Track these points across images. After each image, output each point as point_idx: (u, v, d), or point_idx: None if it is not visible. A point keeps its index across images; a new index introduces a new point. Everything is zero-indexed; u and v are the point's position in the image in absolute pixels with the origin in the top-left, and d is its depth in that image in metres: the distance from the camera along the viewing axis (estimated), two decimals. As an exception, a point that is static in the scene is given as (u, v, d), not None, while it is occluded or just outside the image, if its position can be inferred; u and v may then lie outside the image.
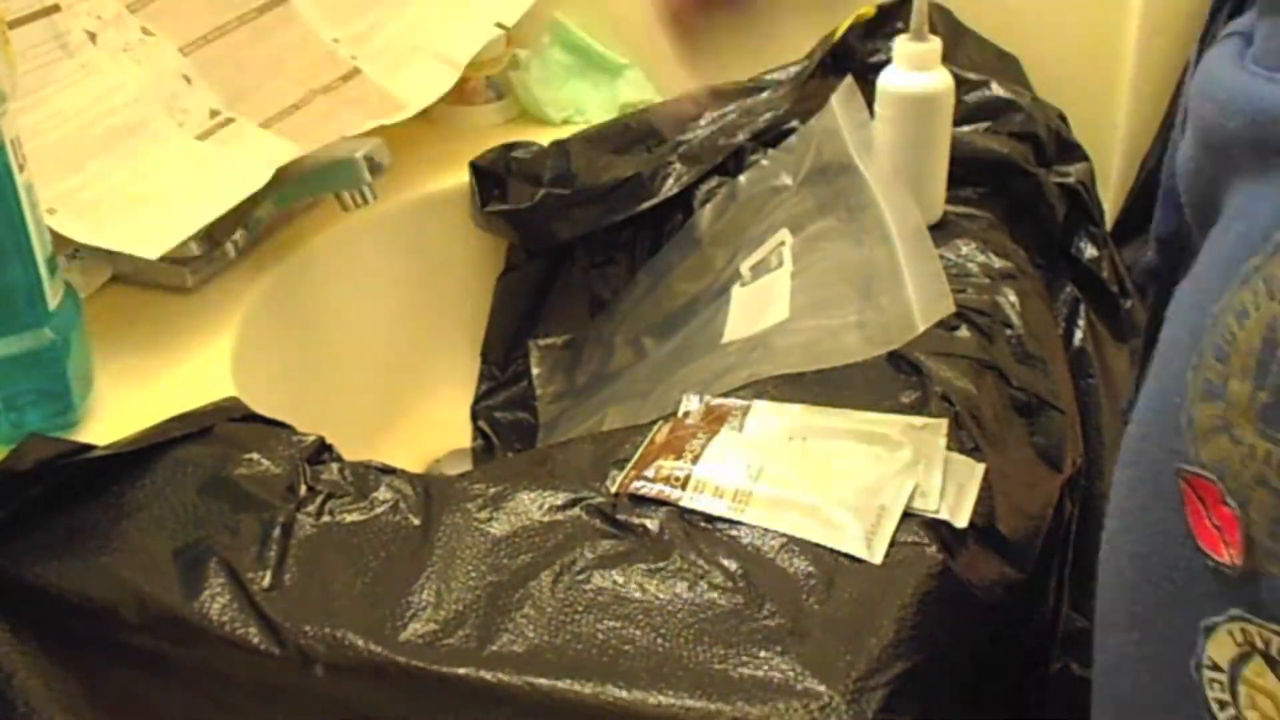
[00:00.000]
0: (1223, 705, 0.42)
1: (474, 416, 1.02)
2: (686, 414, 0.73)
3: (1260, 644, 0.40)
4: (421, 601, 0.60)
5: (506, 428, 1.01)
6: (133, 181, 0.84)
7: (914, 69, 0.87)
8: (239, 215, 0.87)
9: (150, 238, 0.81)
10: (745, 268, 0.94)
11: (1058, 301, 0.92)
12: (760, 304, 0.88)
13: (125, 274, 0.89)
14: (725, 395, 0.75)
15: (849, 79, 0.94)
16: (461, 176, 1.02)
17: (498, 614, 0.59)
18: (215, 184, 0.86)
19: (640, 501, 0.65)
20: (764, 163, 0.99)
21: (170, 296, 0.88)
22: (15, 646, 0.63)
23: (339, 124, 0.95)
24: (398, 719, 0.58)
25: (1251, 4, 0.43)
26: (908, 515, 0.64)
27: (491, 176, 1.02)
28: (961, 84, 0.93)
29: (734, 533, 0.63)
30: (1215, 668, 0.42)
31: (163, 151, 0.86)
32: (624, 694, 0.55)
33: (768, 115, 1.01)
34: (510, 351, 1.04)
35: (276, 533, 0.63)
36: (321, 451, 0.69)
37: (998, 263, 0.87)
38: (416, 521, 0.65)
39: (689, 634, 0.57)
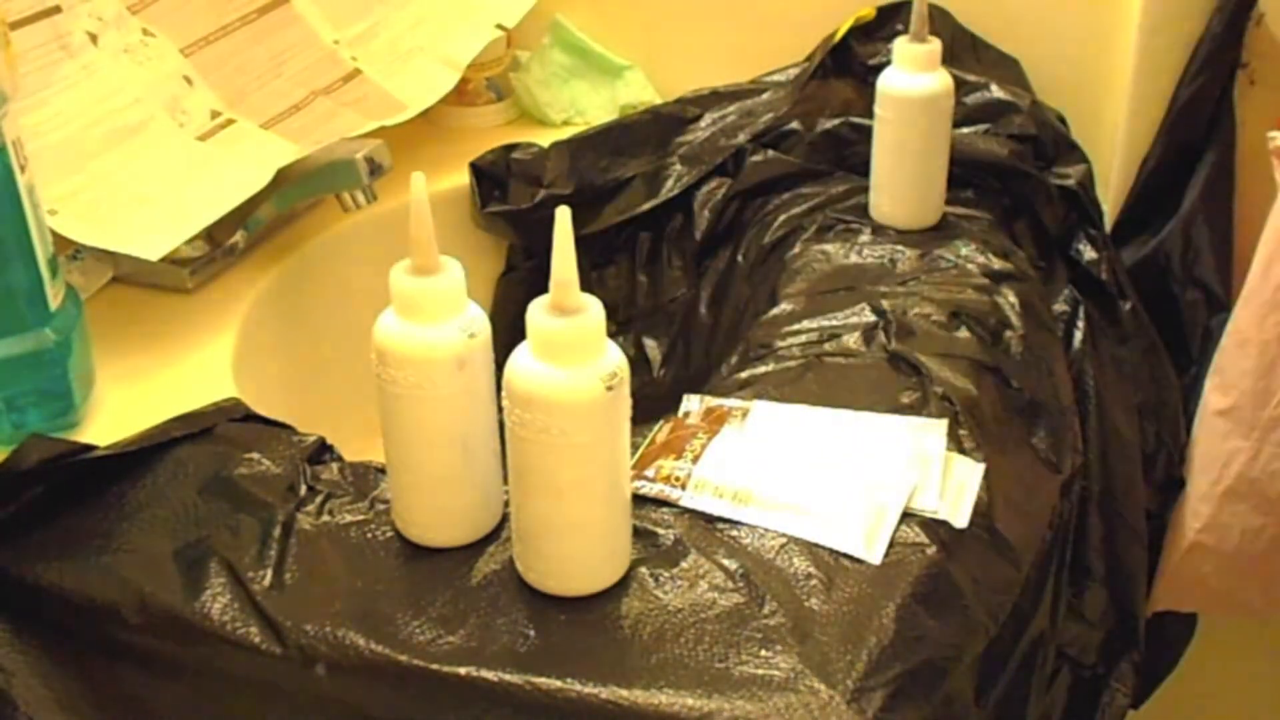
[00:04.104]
0: None
1: (474, 417, 1.02)
2: (687, 414, 0.73)
3: None
4: (422, 600, 0.60)
5: (506, 428, 1.01)
6: (134, 182, 0.84)
7: (914, 70, 0.87)
8: (239, 216, 0.87)
9: (151, 238, 0.81)
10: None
11: (1057, 302, 0.92)
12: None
13: (126, 275, 0.89)
14: (725, 395, 0.75)
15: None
16: (461, 177, 1.02)
17: (499, 613, 0.59)
18: (216, 185, 0.86)
19: (641, 501, 0.65)
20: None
21: (171, 297, 0.88)
22: (15, 646, 0.63)
23: (339, 125, 0.95)
24: (398, 719, 0.58)
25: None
26: (907, 515, 0.64)
27: (492, 177, 1.02)
28: (961, 86, 0.93)
29: (734, 533, 0.63)
30: None
31: (164, 152, 0.86)
32: (624, 693, 0.55)
33: (768, 116, 1.01)
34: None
35: (277, 532, 0.63)
36: (321, 451, 0.69)
37: (997, 264, 0.87)
38: (417, 521, 0.64)
39: (689, 633, 0.57)
